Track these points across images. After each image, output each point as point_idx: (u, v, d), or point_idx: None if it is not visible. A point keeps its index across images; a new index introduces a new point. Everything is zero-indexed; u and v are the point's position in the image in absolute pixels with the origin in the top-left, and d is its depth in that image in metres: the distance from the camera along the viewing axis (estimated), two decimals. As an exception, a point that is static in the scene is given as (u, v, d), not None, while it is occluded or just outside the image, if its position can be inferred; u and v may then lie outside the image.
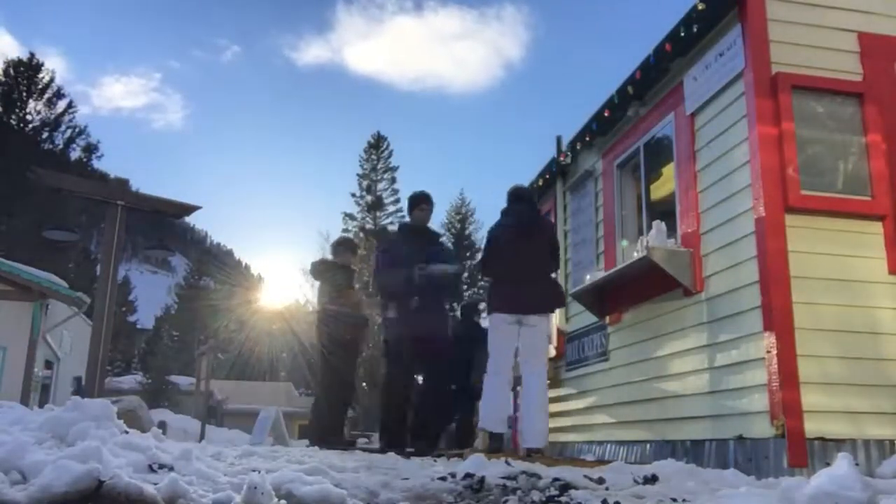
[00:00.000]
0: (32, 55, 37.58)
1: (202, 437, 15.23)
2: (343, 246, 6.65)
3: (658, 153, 5.25)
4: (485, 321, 6.59)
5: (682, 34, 4.57)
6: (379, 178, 41.61)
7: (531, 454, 4.53)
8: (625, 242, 5.52)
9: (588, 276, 5.61)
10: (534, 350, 4.88)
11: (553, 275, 5.26)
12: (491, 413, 4.89)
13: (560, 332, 6.60)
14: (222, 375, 32.84)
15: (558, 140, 6.93)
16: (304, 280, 32.13)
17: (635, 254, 4.79)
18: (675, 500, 2.31)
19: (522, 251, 4.86)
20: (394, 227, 42.34)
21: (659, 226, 4.62)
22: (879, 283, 3.84)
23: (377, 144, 42.17)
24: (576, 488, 2.46)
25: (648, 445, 4.85)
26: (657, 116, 5.15)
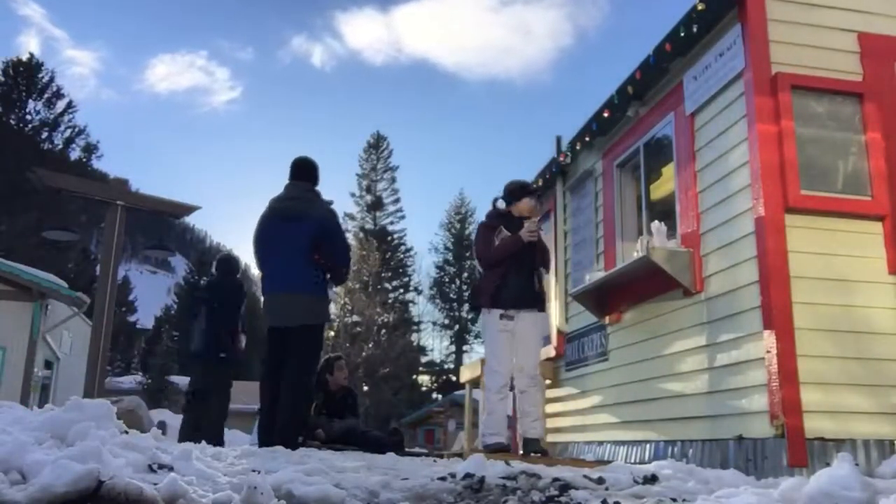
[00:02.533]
0: (32, 55, 37.58)
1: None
2: None
3: (658, 153, 5.25)
4: None
5: (682, 34, 4.57)
6: (379, 177, 41.63)
7: (531, 451, 4.54)
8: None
9: (588, 277, 5.61)
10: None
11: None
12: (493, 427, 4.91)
13: (560, 332, 6.60)
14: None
15: (558, 140, 6.94)
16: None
17: (635, 254, 4.79)
18: (675, 500, 2.31)
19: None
20: (394, 227, 42.38)
21: (658, 226, 4.62)
22: (879, 283, 3.84)
23: (377, 144, 42.16)
24: (576, 488, 2.46)
25: (648, 445, 4.85)
26: (657, 116, 5.15)
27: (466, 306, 42.33)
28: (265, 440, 4.33)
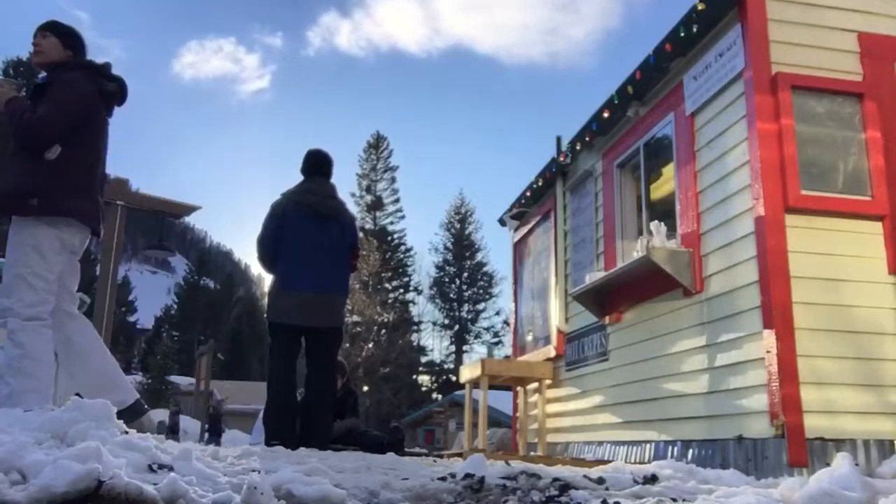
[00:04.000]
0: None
1: (202, 437, 15.23)
2: None
3: (658, 153, 5.25)
4: None
5: (682, 34, 4.57)
6: (379, 178, 41.64)
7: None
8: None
9: (588, 277, 5.61)
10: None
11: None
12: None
13: (560, 332, 6.60)
14: (226, 377, 32.88)
15: (558, 140, 6.94)
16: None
17: (635, 254, 4.80)
18: (675, 500, 2.31)
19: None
20: (394, 227, 42.41)
21: (658, 226, 4.62)
22: (879, 283, 3.84)
23: (377, 144, 42.18)
24: (576, 488, 2.46)
25: (648, 445, 4.85)
26: (657, 116, 5.16)
27: (467, 306, 42.35)
28: (287, 437, 4.22)
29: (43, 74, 3.44)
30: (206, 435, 15.81)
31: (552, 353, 6.67)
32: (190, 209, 7.91)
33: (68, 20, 3.68)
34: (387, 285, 38.35)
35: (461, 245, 42.67)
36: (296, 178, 4.83)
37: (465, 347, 42.41)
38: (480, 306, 42.32)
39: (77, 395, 3.19)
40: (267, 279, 5.13)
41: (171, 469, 1.99)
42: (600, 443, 5.62)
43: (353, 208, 36.96)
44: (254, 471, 2.27)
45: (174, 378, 37.72)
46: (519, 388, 7.48)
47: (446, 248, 43.26)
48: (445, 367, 42.05)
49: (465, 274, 42.57)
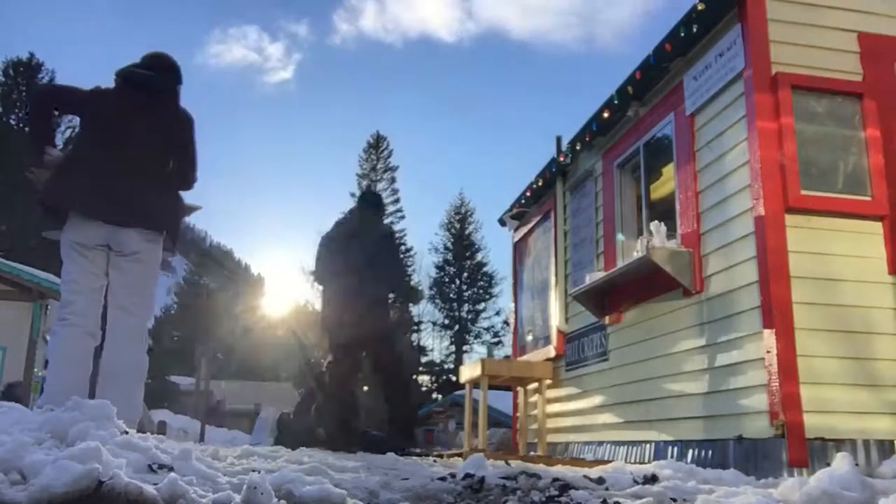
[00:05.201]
0: (32, 55, 37.58)
1: (202, 437, 15.23)
2: None
3: (658, 153, 5.25)
4: None
5: (682, 34, 4.57)
6: (378, 178, 41.61)
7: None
8: (621, 236, 5.52)
9: (588, 277, 5.61)
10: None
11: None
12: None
13: (560, 332, 6.60)
14: (225, 376, 32.87)
15: (558, 140, 6.94)
16: (304, 279, 32.17)
17: (635, 254, 4.80)
18: (675, 500, 2.31)
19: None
20: (394, 227, 42.35)
21: (658, 226, 4.62)
22: (879, 283, 3.84)
23: (377, 144, 42.18)
24: (576, 488, 2.46)
25: (648, 445, 4.85)
26: (657, 116, 5.15)
27: (467, 306, 42.31)
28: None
29: None
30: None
31: (552, 353, 6.67)
32: (190, 209, 7.89)
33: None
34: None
35: (461, 245, 42.62)
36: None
37: (465, 347, 42.37)
38: (480, 306, 42.29)
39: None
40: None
41: (171, 469, 1.99)
42: (600, 443, 5.62)
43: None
44: (254, 471, 2.27)
45: (174, 378, 37.70)
46: (519, 388, 7.48)
47: (446, 248, 43.24)
48: (445, 367, 42.01)
49: (465, 274, 42.53)
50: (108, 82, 3.58)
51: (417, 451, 5.98)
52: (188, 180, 3.63)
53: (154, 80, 3.52)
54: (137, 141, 3.42)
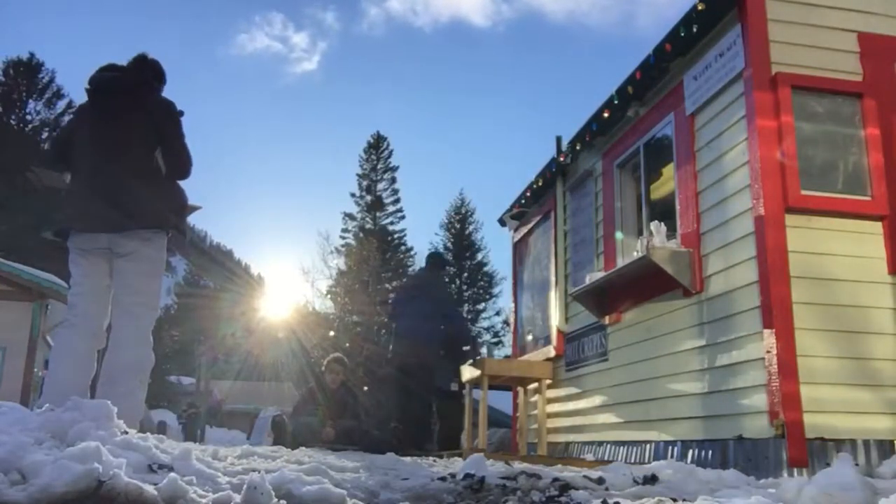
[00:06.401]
0: (32, 55, 37.56)
1: (202, 437, 15.23)
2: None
3: (658, 153, 5.25)
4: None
5: (682, 34, 4.57)
6: (379, 178, 41.60)
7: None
8: (620, 235, 5.52)
9: (588, 277, 5.61)
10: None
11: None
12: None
13: (560, 332, 6.60)
14: (226, 377, 32.86)
15: (558, 140, 6.93)
16: (304, 280, 32.21)
17: (635, 254, 4.79)
18: (675, 500, 2.31)
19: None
20: (394, 227, 42.41)
21: (658, 226, 4.62)
22: (879, 283, 3.84)
23: (377, 144, 42.17)
24: (576, 488, 2.46)
25: (648, 445, 4.85)
26: (657, 116, 5.15)
27: (467, 306, 42.28)
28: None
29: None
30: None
31: (552, 353, 6.66)
32: (190, 209, 7.89)
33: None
34: (387, 285, 38.32)
35: (461, 245, 42.62)
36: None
37: (465, 347, 42.38)
38: (480, 306, 42.29)
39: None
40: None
41: (171, 469, 1.99)
42: (600, 443, 5.62)
43: (353, 208, 36.57)
44: (254, 471, 2.27)
45: (174, 378, 37.67)
46: (519, 388, 7.48)
47: (446, 248, 43.22)
48: (445, 367, 41.97)
49: (465, 274, 42.53)
50: None
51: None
52: (180, 170, 3.60)
53: (119, 80, 3.50)
54: (117, 144, 3.43)
